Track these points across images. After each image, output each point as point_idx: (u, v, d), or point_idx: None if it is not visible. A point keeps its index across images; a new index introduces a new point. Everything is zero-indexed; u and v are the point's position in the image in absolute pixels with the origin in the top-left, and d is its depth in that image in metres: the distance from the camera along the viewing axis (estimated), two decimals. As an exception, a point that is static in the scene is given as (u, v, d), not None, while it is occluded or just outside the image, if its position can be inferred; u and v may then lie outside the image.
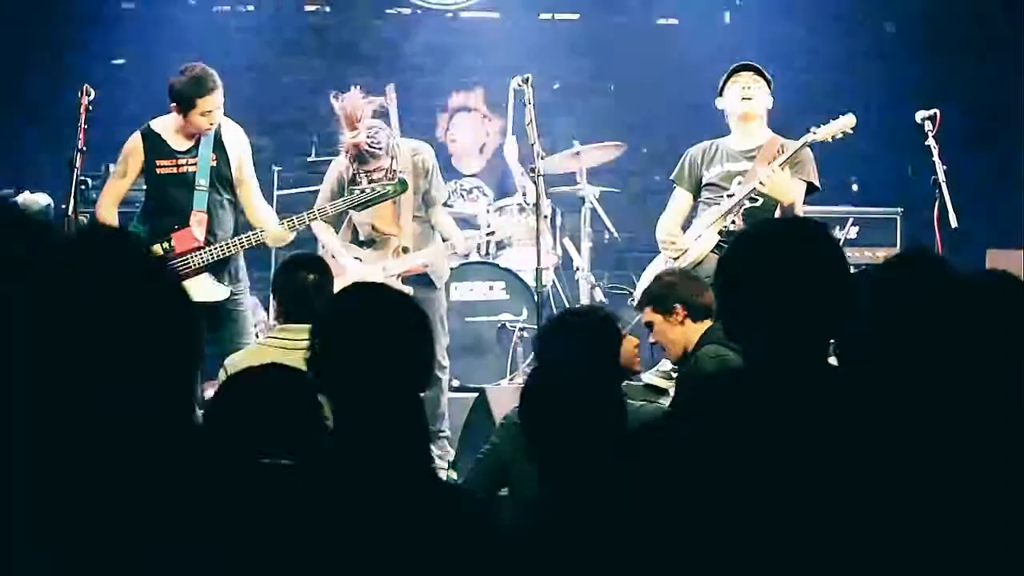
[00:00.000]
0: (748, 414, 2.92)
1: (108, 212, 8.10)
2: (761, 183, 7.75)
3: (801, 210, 7.89)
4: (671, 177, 8.29)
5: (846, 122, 7.92)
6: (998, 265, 9.33)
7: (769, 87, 8.05)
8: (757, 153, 7.99)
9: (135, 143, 8.04)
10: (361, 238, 8.67)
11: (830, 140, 7.96)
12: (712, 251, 7.92)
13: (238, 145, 8.14)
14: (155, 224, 8.05)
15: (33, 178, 10.15)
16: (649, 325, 6.75)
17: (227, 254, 8.04)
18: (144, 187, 8.17)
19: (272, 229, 8.01)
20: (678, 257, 8.00)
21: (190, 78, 7.86)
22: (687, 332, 6.62)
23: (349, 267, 8.42)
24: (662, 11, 11.95)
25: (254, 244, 8.11)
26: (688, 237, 8.07)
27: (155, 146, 8.00)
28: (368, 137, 8.30)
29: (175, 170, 8.00)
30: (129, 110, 9.53)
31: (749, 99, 8.00)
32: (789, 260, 3.01)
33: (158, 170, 7.99)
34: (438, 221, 8.71)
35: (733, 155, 8.05)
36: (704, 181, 8.10)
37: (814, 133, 7.87)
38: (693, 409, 3.12)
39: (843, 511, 2.81)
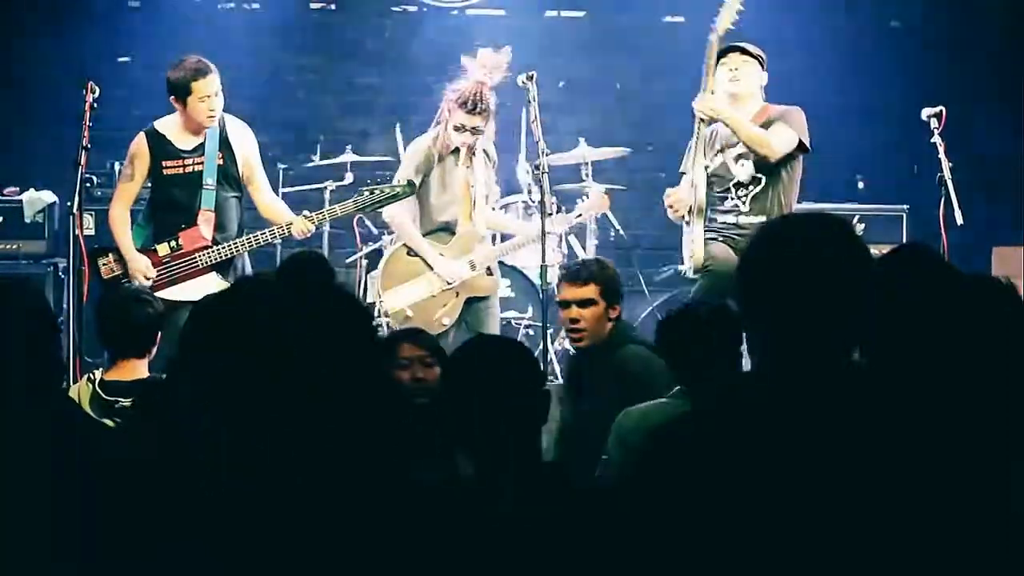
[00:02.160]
0: (765, 417, 2.91)
1: (120, 216, 8.10)
2: (696, 109, 7.91)
3: (774, 144, 7.84)
4: (680, 170, 8.31)
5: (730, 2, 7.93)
6: (1003, 262, 9.37)
7: (762, 65, 8.05)
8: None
9: (140, 145, 8.05)
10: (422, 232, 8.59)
11: (731, 27, 7.90)
12: (719, 240, 7.92)
13: (244, 143, 8.16)
14: (160, 222, 8.09)
15: (38, 176, 10.17)
16: (586, 303, 6.60)
17: (246, 250, 8.09)
18: (147, 185, 8.19)
19: (297, 221, 8.05)
20: (686, 213, 8.00)
21: (184, 65, 7.91)
22: (607, 328, 6.60)
23: (437, 265, 8.38)
24: (668, 9, 11.93)
25: (279, 238, 8.17)
26: (682, 188, 8.07)
27: (160, 147, 8.02)
28: (491, 90, 8.30)
29: (181, 170, 8.02)
30: (134, 108, 9.56)
31: (737, 80, 8.00)
32: (808, 257, 2.98)
33: (164, 171, 8.02)
34: (491, 219, 8.74)
35: (727, 138, 8.05)
36: (709, 171, 8.13)
37: (713, 30, 7.87)
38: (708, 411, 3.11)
39: (848, 515, 2.80)
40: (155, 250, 8.01)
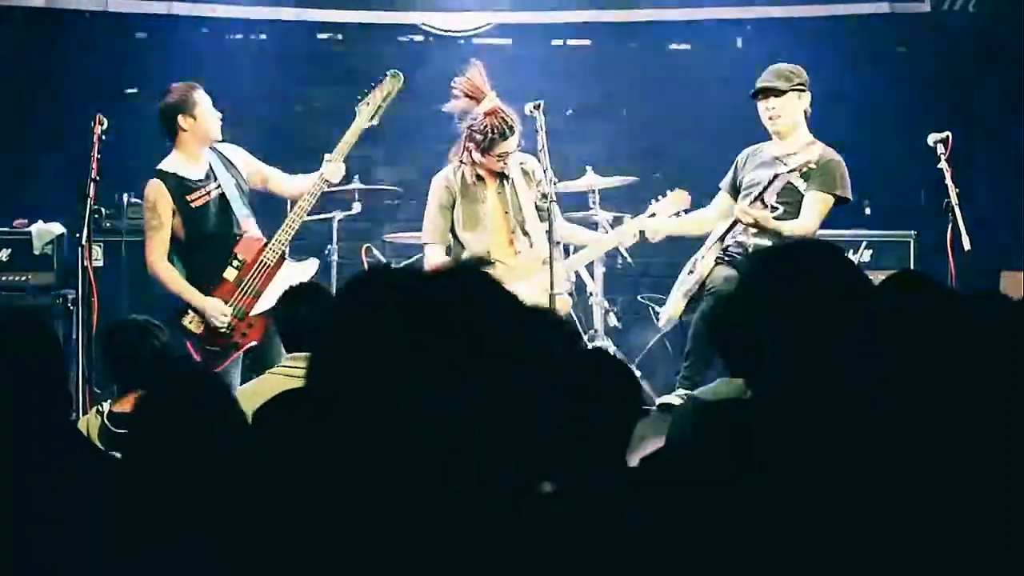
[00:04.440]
0: (758, 441, 2.91)
1: (165, 267, 7.96)
2: (739, 216, 7.86)
3: (814, 227, 7.90)
4: (720, 184, 8.39)
5: (809, 153, 7.90)
6: (1011, 287, 9.37)
7: (800, 89, 8.09)
8: (790, 159, 8.02)
9: (158, 189, 7.99)
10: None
11: (802, 170, 7.93)
12: (726, 261, 7.98)
13: (240, 155, 8.24)
14: (198, 259, 8.01)
15: (46, 207, 10.17)
16: None
17: (299, 222, 8.08)
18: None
19: (325, 170, 8.15)
20: (691, 271, 8.10)
21: (175, 89, 8.02)
22: None
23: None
24: (674, 36, 11.95)
25: (319, 193, 8.18)
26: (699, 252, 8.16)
27: (177, 184, 8.01)
28: (502, 105, 8.19)
29: (207, 197, 8.02)
30: (142, 139, 9.54)
31: (776, 117, 8.12)
32: (801, 283, 3.00)
33: (192, 204, 7.99)
34: (561, 234, 8.38)
35: (768, 161, 8.12)
36: (741, 187, 8.22)
37: (785, 164, 7.86)
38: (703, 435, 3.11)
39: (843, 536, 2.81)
40: (223, 279, 7.97)
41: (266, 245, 7.99)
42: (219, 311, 7.88)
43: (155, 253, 7.97)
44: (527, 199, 8.31)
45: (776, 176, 7.84)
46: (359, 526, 2.70)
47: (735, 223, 7.94)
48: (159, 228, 7.97)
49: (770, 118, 8.13)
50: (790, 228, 7.82)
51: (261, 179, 8.28)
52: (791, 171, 7.82)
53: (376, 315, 2.81)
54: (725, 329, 5.58)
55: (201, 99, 8.02)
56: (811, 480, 2.84)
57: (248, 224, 8.06)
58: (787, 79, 8.11)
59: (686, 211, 8.53)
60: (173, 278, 7.94)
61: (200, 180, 8.04)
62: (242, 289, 7.93)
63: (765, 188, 7.87)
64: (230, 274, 7.96)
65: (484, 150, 8.17)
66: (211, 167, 8.06)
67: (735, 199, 8.26)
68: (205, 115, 8.01)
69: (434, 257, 8.35)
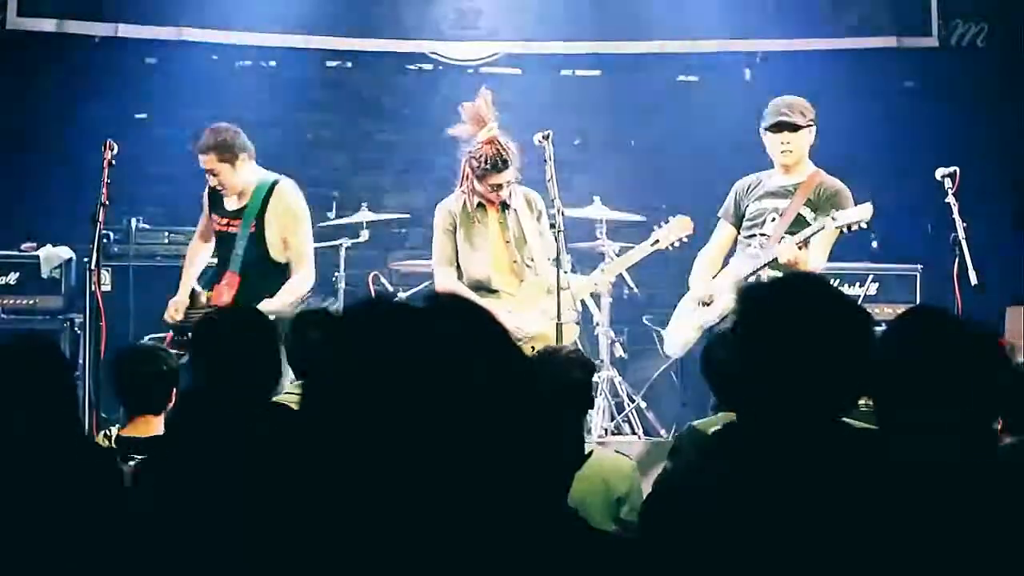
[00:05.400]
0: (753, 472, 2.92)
1: (192, 249, 8.45)
2: (780, 255, 7.83)
3: (824, 259, 7.95)
4: (718, 214, 8.38)
5: (863, 212, 7.88)
6: (1016, 321, 9.38)
7: (812, 124, 8.11)
8: (796, 190, 8.05)
9: (206, 196, 8.28)
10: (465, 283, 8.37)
11: (845, 231, 7.92)
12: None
13: (282, 215, 8.16)
14: (214, 274, 8.18)
15: (55, 231, 10.19)
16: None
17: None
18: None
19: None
20: (708, 303, 8.13)
21: (198, 137, 8.08)
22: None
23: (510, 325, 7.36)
24: (683, 68, 11.98)
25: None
26: (716, 284, 8.16)
27: (214, 201, 8.17)
28: (501, 137, 8.23)
29: (225, 228, 8.09)
30: (151, 165, 9.58)
31: (788, 151, 8.10)
32: (793, 314, 3.01)
33: (214, 225, 8.10)
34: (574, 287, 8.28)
35: (772, 191, 8.15)
36: (745, 216, 8.21)
37: (833, 219, 7.83)
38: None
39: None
40: (203, 293, 8.10)
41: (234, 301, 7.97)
42: (174, 306, 8.02)
43: (196, 236, 8.46)
44: (530, 228, 8.36)
45: (824, 227, 7.82)
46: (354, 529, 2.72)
47: (772, 260, 7.94)
48: (202, 217, 8.34)
49: (783, 152, 8.14)
50: (812, 266, 7.86)
51: (284, 253, 8.17)
52: (840, 225, 7.81)
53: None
54: (720, 364, 5.63)
55: (202, 161, 8.13)
56: (805, 515, 2.85)
57: (231, 279, 8.02)
58: (803, 115, 8.13)
59: (688, 237, 8.56)
60: (185, 260, 8.42)
61: (229, 211, 8.13)
62: (199, 311, 7.86)
63: (810, 236, 7.85)
64: (201, 298, 8.01)
65: (479, 178, 8.25)
66: (248, 204, 8.07)
67: (738, 229, 8.28)
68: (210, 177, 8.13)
69: (444, 279, 8.41)
